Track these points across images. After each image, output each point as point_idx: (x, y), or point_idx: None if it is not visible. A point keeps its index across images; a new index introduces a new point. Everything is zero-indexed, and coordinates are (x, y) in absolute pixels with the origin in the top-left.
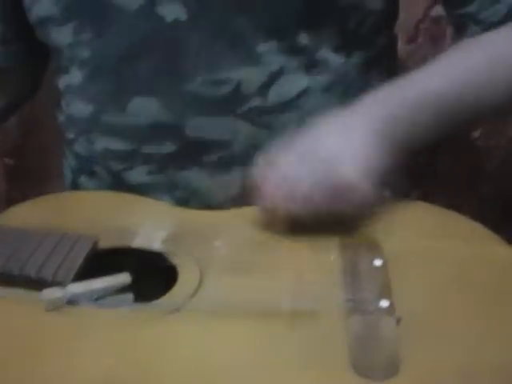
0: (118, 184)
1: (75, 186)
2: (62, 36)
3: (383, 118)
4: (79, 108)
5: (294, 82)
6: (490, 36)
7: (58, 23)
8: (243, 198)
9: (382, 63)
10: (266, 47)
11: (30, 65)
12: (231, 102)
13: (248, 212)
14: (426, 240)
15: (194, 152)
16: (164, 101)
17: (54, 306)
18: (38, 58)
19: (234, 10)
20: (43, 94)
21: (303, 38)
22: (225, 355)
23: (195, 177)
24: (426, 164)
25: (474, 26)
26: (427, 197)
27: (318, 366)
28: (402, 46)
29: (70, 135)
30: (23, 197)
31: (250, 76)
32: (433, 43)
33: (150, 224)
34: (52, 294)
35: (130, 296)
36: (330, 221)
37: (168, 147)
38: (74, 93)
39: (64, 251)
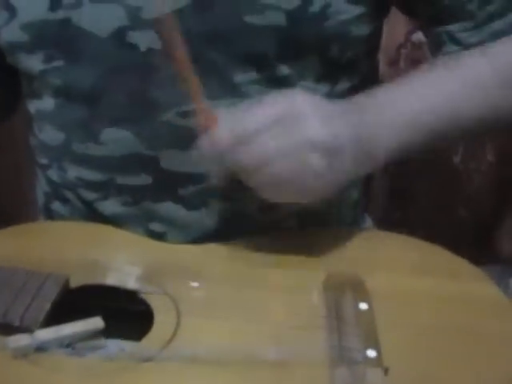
0: (92, 213)
1: (47, 211)
2: (32, 63)
3: (354, 107)
4: (51, 135)
5: None
6: (466, 55)
7: (28, 50)
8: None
9: (366, 87)
10: (243, 78)
11: (4, 90)
12: None
13: (227, 248)
14: (411, 278)
15: (169, 184)
16: (138, 131)
17: (22, 354)
18: (8, 86)
19: (210, 40)
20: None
21: (284, 69)
22: None
23: (171, 209)
24: (406, 187)
25: (452, 44)
26: (407, 219)
27: None
28: (383, 69)
29: (43, 160)
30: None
31: (227, 107)
32: (414, 67)
33: (124, 259)
34: (19, 340)
35: (102, 341)
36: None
37: (143, 179)
38: (45, 119)
39: (32, 291)
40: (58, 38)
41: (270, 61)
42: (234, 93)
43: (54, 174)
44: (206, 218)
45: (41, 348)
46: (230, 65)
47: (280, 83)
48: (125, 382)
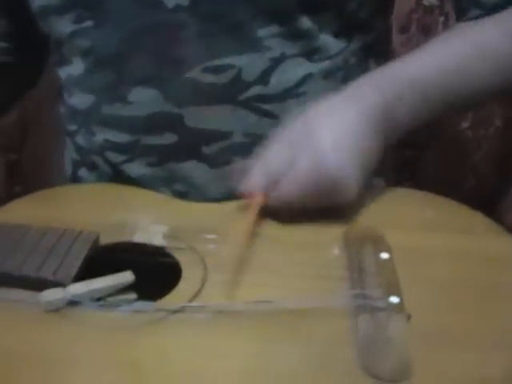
0: (118, 176)
1: (75, 179)
2: (62, 25)
3: (374, 102)
4: (80, 99)
5: (295, 69)
6: (483, 23)
7: (59, 12)
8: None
9: (379, 50)
10: (266, 32)
11: (31, 59)
12: (231, 90)
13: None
14: (427, 233)
15: (193, 143)
16: (163, 90)
17: (54, 308)
18: (38, 52)
19: None
20: (42, 89)
21: (304, 23)
22: (228, 358)
23: (194, 169)
24: (415, 156)
25: (475, 9)
26: (416, 188)
27: (327, 368)
28: (395, 36)
29: (72, 127)
30: (23, 192)
31: (250, 62)
32: (425, 33)
33: (150, 217)
34: (52, 295)
35: (132, 295)
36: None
37: (167, 138)
38: (75, 83)
39: (64, 249)
40: None
41: (292, 14)
42: (256, 47)
43: (82, 139)
44: (227, 176)
45: (72, 302)
46: (253, 19)
47: (301, 36)
48: (154, 333)
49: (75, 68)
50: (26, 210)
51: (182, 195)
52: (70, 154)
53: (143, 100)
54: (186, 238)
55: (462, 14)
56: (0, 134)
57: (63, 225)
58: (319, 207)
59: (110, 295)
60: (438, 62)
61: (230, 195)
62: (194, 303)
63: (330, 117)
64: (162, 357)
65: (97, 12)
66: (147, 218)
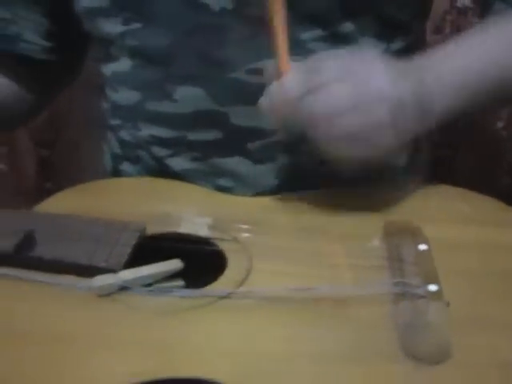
0: (162, 170)
1: (116, 173)
2: (111, 27)
3: (412, 66)
4: (126, 95)
5: None
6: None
7: (108, 14)
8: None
9: (417, 51)
10: (309, 35)
11: (70, 58)
12: None
13: (291, 200)
14: (464, 225)
15: (238, 139)
16: (209, 89)
17: (106, 292)
18: (77, 50)
19: None
20: (74, 86)
21: (346, 26)
22: (274, 343)
23: (238, 164)
24: (450, 157)
25: (500, 2)
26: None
27: (368, 350)
28: (429, 36)
29: (115, 122)
30: (55, 187)
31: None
32: (459, 34)
33: (194, 210)
34: (104, 280)
35: (180, 282)
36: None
37: (213, 134)
38: (121, 80)
39: (113, 238)
40: (137, 1)
41: (334, 19)
42: (299, 50)
43: (126, 134)
44: (272, 171)
45: (123, 287)
46: (297, 23)
47: (343, 40)
48: (202, 318)
49: (122, 65)
50: (71, 202)
51: (225, 190)
52: (111, 149)
53: (188, 98)
54: (230, 229)
55: (487, 9)
56: (32, 130)
57: (108, 216)
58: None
59: (158, 282)
60: (476, 51)
61: (273, 190)
62: (241, 290)
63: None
64: (209, 340)
65: (144, 15)
66: (191, 210)
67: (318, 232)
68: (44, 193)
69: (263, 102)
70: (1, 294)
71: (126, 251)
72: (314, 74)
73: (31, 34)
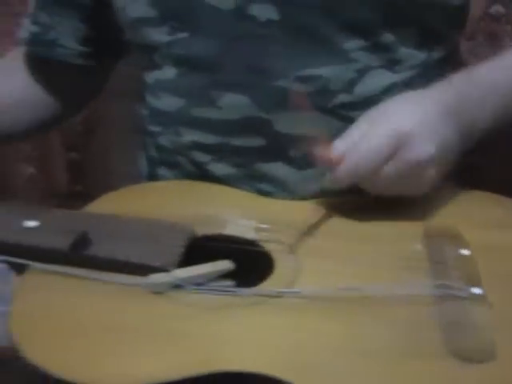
0: (202, 175)
1: (153, 178)
2: (157, 36)
3: (453, 97)
4: (169, 102)
5: (379, 79)
6: None
7: (155, 24)
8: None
9: (455, 59)
10: (352, 45)
11: (105, 64)
12: (319, 98)
13: (334, 203)
14: (503, 230)
15: (281, 146)
16: (254, 97)
17: (160, 290)
18: (112, 57)
19: (322, 10)
20: (105, 91)
21: (387, 37)
22: (325, 339)
23: (280, 170)
24: (478, 162)
25: None
26: None
27: (413, 348)
28: (462, 42)
29: (155, 128)
30: (84, 191)
31: (337, 73)
32: (492, 41)
33: (239, 212)
34: (160, 278)
35: (230, 282)
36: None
37: (257, 141)
38: (164, 87)
39: (163, 238)
40: (184, 11)
41: (376, 29)
42: (342, 59)
43: (165, 140)
44: (312, 177)
45: (177, 286)
46: (340, 33)
47: (384, 49)
48: (254, 314)
49: (166, 73)
50: (117, 204)
51: (266, 194)
52: (148, 154)
53: (233, 105)
54: (275, 231)
55: None
56: (64, 134)
57: (154, 217)
58: (395, 186)
59: (210, 281)
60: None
61: (313, 195)
62: (290, 289)
63: (407, 102)
64: (262, 336)
65: (191, 24)
66: (236, 213)
67: (361, 234)
68: (74, 196)
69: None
70: (58, 290)
71: (178, 251)
72: (358, 161)
73: (68, 39)
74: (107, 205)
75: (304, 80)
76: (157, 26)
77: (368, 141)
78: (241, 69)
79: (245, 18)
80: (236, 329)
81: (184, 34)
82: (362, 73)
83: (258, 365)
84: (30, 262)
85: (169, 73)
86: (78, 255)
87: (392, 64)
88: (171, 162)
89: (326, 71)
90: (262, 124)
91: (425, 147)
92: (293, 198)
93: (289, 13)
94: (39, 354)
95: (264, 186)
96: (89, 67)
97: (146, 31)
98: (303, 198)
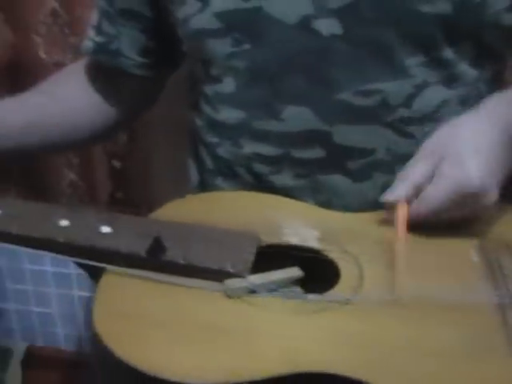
0: (260, 186)
1: (206, 187)
2: (219, 47)
3: (507, 116)
4: (230, 114)
5: (436, 95)
6: None
7: (218, 35)
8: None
9: (504, 76)
10: (412, 61)
11: (161, 74)
12: (379, 112)
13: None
14: None
15: (339, 158)
16: (316, 109)
17: (236, 294)
18: (169, 67)
19: (385, 26)
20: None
21: (446, 53)
22: (398, 340)
23: (338, 181)
24: None
25: None
26: None
27: (482, 353)
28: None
29: (212, 139)
30: (125, 198)
31: (397, 88)
32: None
33: (301, 222)
34: (236, 283)
35: (298, 289)
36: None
37: (316, 152)
38: (225, 100)
39: (233, 245)
40: (248, 24)
41: (436, 45)
42: (402, 74)
43: (224, 151)
44: (368, 189)
45: (252, 291)
46: (402, 48)
47: (443, 66)
48: (327, 318)
49: (226, 86)
50: (182, 211)
51: (323, 205)
52: (201, 164)
53: (296, 117)
54: (337, 240)
55: None
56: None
57: (220, 225)
58: (458, 218)
59: (280, 287)
60: None
61: (369, 207)
62: (357, 296)
63: (465, 127)
64: (338, 338)
65: (255, 37)
66: (298, 223)
67: (421, 244)
68: (114, 203)
69: None
70: (137, 292)
71: (249, 258)
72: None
73: (129, 49)
74: (173, 212)
75: (365, 94)
76: (220, 38)
77: (435, 191)
78: (303, 81)
79: (308, 32)
80: (311, 332)
81: (247, 46)
82: (420, 88)
83: (337, 365)
84: (108, 266)
85: (229, 86)
86: (155, 260)
87: (449, 80)
88: (228, 172)
89: (386, 86)
90: (323, 136)
91: (491, 195)
92: (349, 209)
93: (352, 28)
94: (126, 351)
95: (321, 197)
96: (146, 77)
97: (208, 42)
98: (359, 209)
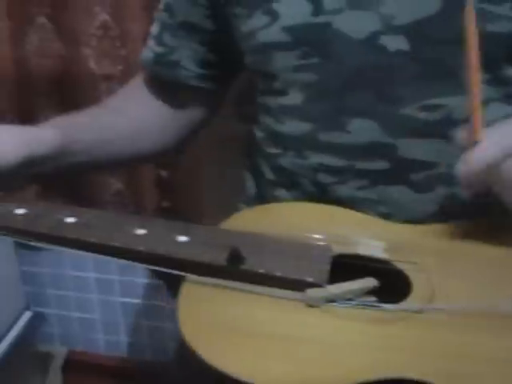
0: (323, 196)
1: (264, 198)
2: (287, 60)
3: None
4: (295, 126)
5: (497, 111)
6: None
7: (286, 49)
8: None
9: None
10: None
11: (222, 86)
12: (442, 127)
13: (453, 227)
14: None
15: (403, 170)
16: (381, 123)
17: (317, 304)
18: (229, 80)
19: (451, 43)
20: None
21: (508, 71)
22: (472, 348)
23: (401, 193)
24: None
25: None
26: None
27: None
28: None
29: (274, 150)
30: (171, 207)
31: (461, 103)
32: None
33: (367, 234)
34: (317, 293)
35: (372, 298)
36: None
37: (380, 164)
38: (290, 112)
39: (308, 255)
40: (317, 38)
41: (499, 63)
42: (465, 90)
43: (287, 162)
44: (430, 201)
45: (331, 300)
46: (465, 66)
47: (504, 83)
48: (406, 327)
49: (292, 99)
50: (251, 222)
51: (384, 216)
52: (259, 174)
53: (362, 130)
54: (402, 252)
55: None
56: None
57: (289, 236)
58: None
59: (356, 296)
60: None
61: (430, 219)
62: (432, 305)
63: None
64: (418, 346)
65: (323, 51)
66: (365, 234)
67: (484, 256)
68: (160, 212)
69: (460, 168)
70: (219, 300)
71: (325, 268)
72: (507, 139)
73: (189, 61)
74: (241, 222)
75: (429, 109)
76: (288, 51)
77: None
78: (370, 96)
79: (376, 48)
80: (393, 341)
81: (315, 60)
82: (483, 104)
83: (416, 371)
84: (188, 274)
85: (295, 98)
86: (236, 269)
87: (508, 97)
88: (290, 182)
89: (450, 101)
90: (387, 149)
91: None
92: (410, 221)
93: (418, 45)
94: (215, 357)
95: (383, 208)
96: (206, 89)
97: (275, 55)
98: (420, 221)
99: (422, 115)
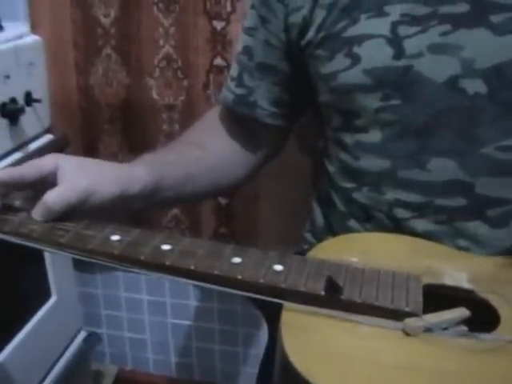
0: (398, 230)
1: (333, 229)
2: (368, 101)
3: None
4: (373, 163)
5: None
6: None
7: (368, 90)
8: None
9: None
10: None
11: (290, 123)
12: None
13: None
14: None
15: (480, 206)
16: (461, 162)
17: (414, 333)
18: (297, 117)
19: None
20: None
21: None
22: None
23: (477, 228)
24: None
25: None
26: None
27: None
28: None
29: (348, 184)
30: (228, 233)
31: None
32: None
33: (450, 265)
34: (415, 322)
35: (464, 328)
36: None
37: (458, 201)
38: (368, 149)
39: (401, 286)
40: (398, 81)
41: None
42: None
43: (361, 196)
44: (506, 235)
45: (427, 329)
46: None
47: None
48: (503, 357)
49: (371, 137)
50: (337, 251)
51: (462, 249)
52: (330, 206)
53: (440, 168)
54: (486, 283)
55: None
56: None
57: (377, 266)
58: None
59: (450, 326)
60: None
61: (506, 253)
62: None
63: None
64: None
65: (405, 92)
66: (448, 266)
67: None
68: (217, 238)
69: None
70: (322, 328)
71: (419, 298)
72: None
73: (263, 100)
74: (328, 252)
75: (505, 149)
76: (370, 93)
77: None
78: (449, 136)
79: (455, 91)
80: (492, 370)
81: (396, 102)
82: None
83: None
84: (287, 302)
85: (375, 137)
86: (334, 299)
87: None
88: (364, 215)
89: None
90: (465, 187)
91: None
92: (486, 254)
93: (496, 88)
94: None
95: (461, 242)
96: (277, 126)
97: (356, 96)
98: (497, 254)
99: (500, 155)
